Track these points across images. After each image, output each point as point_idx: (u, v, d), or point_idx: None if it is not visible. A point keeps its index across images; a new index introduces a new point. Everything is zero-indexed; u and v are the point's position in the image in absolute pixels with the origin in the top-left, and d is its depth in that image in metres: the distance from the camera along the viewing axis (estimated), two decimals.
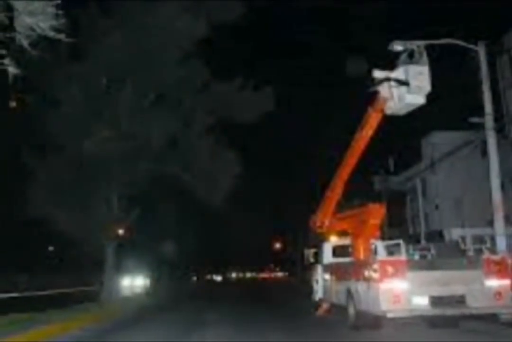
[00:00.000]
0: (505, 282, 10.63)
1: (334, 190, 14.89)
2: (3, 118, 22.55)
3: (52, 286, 43.73)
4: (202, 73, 22.50)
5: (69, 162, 21.52)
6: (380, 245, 13.61)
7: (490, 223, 15.20)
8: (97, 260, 24.49)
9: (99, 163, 21.12)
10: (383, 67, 11.79)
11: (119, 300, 23.68)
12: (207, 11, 21.66)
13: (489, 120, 14.70)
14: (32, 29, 8.10)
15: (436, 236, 32.41)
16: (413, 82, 11.17)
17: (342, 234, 15.71)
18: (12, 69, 8.12)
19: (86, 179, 21.63)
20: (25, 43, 8.15)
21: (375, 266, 10.49)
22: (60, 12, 8.10)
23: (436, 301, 10.36)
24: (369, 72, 11.75)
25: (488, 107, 14.72)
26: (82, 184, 21.59)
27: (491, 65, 16.06)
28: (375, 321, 11.17)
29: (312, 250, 17.49)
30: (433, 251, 14.14)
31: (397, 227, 39.89)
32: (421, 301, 10.32)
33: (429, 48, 12.12)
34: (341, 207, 16.21)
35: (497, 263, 10.80)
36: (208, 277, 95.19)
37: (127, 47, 20.62)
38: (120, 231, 24.82)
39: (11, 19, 8.13)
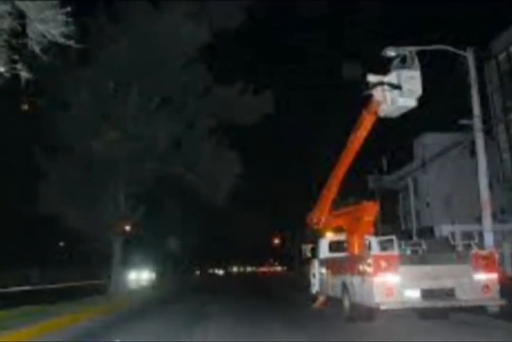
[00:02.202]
0: (493, 275, 10.65)
1: (330, 188, 14.90)
2: (16, 120, 22.57)
3: (62, 280, 43.77)
4: (204, 78, 22.52)
5: (79, 162, 21.56)
6: (373, 241, 13.62)
7: (478, 220, 15.21)
8: (105, 255, 24.52)
9: (107, 163, 21.15)
10: (377, 72, 11.80)
11: (126, 293, 23.70)
12: (209, 18, 21.67)
13: (477, 122, 14.70)
14: (44, 36, 8.11)
15: (427, 232, 32.44)
16: (405, 86, 11.18)
17: (338, 230, 15.72)
18: (24, 74, 8.14)
19: (95, 178, 21.67)
20: (36, 49, 8.17)
21: (369, 261, 10.50)
22: (70, 19, 8.11)
23: (427, 293, 10.37)
24: (364, 76, 11.76)
25: (477, 110, 14.73)
26: (91, 183, 21.64)
27: (480, 69, 16.06)
28: (369, 313, 11.18)
29: (309, 246, 17.49)
30: (424, 247, 14.13)
31: (390, 224, 39.90)
32: (413, 294, 10.33)
33: (420, 54, 12.13)
34: (336, 204, 16.22)
35: (485, 257, 10.81)
36: (211, 271, 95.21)
37: (133, 52, 20.63)
38: (127, 228, 24.85)
39: (23, 26, 8.14)
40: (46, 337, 10.45)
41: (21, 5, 7.95)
